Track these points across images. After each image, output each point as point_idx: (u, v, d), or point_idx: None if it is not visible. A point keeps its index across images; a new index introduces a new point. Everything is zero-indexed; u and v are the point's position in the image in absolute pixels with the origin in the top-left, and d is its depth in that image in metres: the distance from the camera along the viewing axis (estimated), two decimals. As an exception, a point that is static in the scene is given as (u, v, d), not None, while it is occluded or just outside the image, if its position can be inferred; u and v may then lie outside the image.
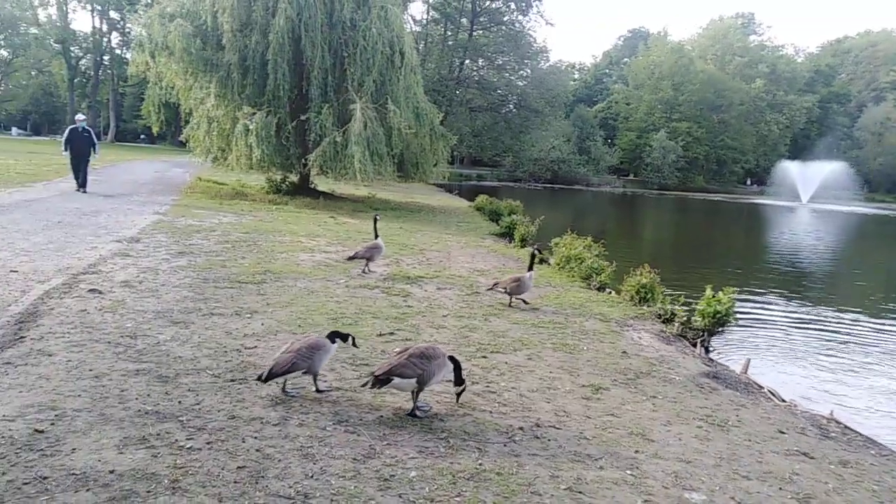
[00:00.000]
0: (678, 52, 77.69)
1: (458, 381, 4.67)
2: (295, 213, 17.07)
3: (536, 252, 9.24)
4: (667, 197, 60.91)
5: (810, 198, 63.11)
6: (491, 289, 8.51)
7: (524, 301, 8.56)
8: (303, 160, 19.88)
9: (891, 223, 47.92)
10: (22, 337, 5.34)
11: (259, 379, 4.41)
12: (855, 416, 6.37)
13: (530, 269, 8.44)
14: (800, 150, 77.98)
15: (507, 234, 16.22)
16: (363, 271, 9.69)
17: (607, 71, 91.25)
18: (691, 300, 9.12)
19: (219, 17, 18.75)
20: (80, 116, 18.12)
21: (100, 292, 7.02)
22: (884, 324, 11.61)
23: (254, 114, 18.52)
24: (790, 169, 66.96)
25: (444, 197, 30.77)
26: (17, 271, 7.68)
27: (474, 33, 56.77)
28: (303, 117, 19.05)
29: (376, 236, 9.91)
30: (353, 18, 19.34)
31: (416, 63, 21.79)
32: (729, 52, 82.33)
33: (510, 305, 8.42)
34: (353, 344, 5.04)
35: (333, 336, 4.88)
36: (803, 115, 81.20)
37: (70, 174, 17.56)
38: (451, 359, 4.66)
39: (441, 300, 8.44)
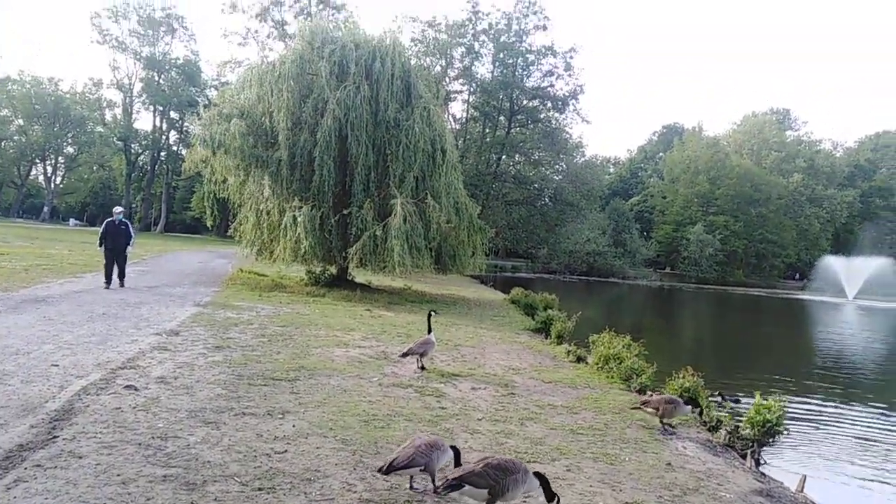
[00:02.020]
0: (714, 147, 78.55)
1: (550, 496, 4.47)
2: (332, 305, 17.21)
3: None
4: (705, 291, 59.75)
5: (856, 294, 61.07)
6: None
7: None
8: (343, 253, 20.26)
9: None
10: (55, 437, 5.34)
11: (380, 470, 4.79)
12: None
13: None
14: (843, 244, 76.51)
15: (543, 330, 15.95)
16: (419, 367, 9.71)
17: (642, 165, 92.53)
18: (740, 404, 8.70)
19: (274, 116, 19.85)
20: (117, 209, 17.24)
21: (135, 388, 7.05)
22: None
23: (301, 207, 19.14)
24: (834, 264, 65.31)
25: (479, 289, 30.75)
26: (57, 365, 7.81)
27: (511, 130, 58.63)
28: (345, 211, 19.60)
29: (429, 331, 9.95)
30: (396, 118, 20.20)
31: (455, 160, 22.49)
32: (765, 147, 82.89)
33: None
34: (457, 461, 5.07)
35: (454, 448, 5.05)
36: (844, 209, 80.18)
37: (101, 271, 16.68)
38: (537, 474, 4.51)
39: (476, 401, 8.23)
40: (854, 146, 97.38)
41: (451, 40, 52.56)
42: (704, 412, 8.37)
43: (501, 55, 55.71)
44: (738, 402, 9.55)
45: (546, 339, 15.06)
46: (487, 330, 15.49)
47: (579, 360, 12.24)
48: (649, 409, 7.72)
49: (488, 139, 59.14)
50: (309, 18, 44.12)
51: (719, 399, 8.92)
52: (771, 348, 23.59)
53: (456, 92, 56.54)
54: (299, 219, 18.74)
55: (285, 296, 18.16)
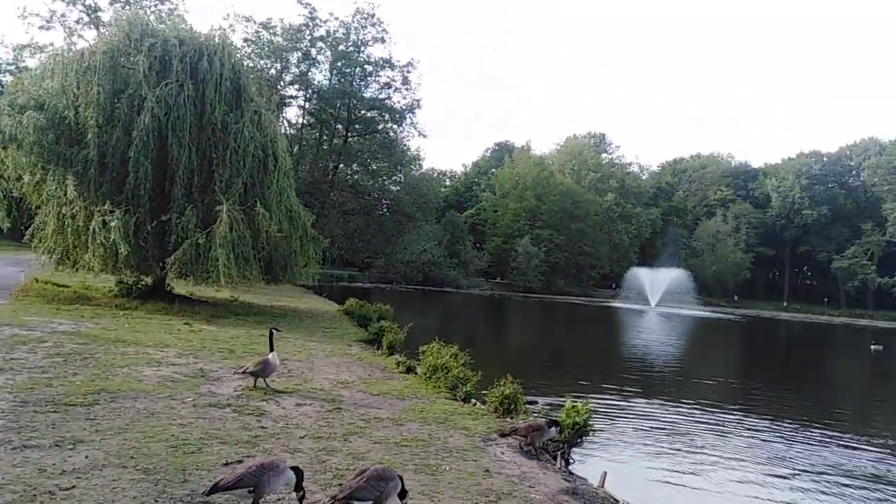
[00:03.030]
0: (540, 166, 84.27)
1: (402, 494, 4.98)
2: (145, 318, 15.79)
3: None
4: (531, 299, 63.70)
5: (657, 301, 68.71)
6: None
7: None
8: (161, 262, 18.69)
9: (723, 325, 52.97)
10: None
11: (204, 492, 4.59)
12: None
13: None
14: (647, 257, 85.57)
15: (376, 341, 15.94)
16: (254, 387, 9.16)
17: (476, 179, 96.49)
18: (558, 406, 9.29)
19: (81, 111, 17.82)
20: None
21: None
22: (731, 423, 12.46)
23: (112, 212, 17.36)
24: (639, 274, 73.06)
25: (312, 299, 30.07)
26: None
27: (349, 139, 58.32)
28: (164, 217, 18.08)
29: (271, 349, 9.32)
30: (224, 121, 19.11)
31: (289, 167, 21.74)
32: (584, 168, 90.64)
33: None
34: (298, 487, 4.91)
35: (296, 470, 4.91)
36: (649, 226, 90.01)
37: None
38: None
39: (299, 419, 7.96)
40: (657, 170, 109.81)
41: (287, 44, 51.10)
42: (524, 416, 8.83)
43: (339, 64, 55.29)
44: (534, 403, 10.20)
45: (378, 350, 15.06)
46: (318, 342, 15.14)
47: (409, 370, 12.37)
48: (519, 437, 7.86)
49: (325, 147, 58.28)
50: (127, 7, 40.44)
51: (535, 404, 9.47)
52: (586, 352, 25.66)
53: (291, 97, 55.08)
54: (112, 224, 17.01)
55: (89, 309, 16.36)
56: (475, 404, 10.04)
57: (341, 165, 58.91)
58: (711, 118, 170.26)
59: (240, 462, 6.02)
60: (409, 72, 55.88)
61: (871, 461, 10.64)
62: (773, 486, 8.67)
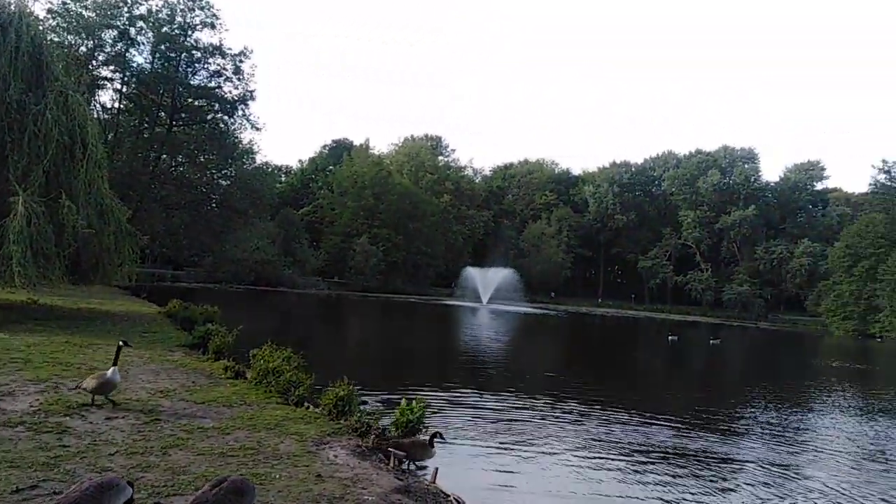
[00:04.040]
0: (379, 165, 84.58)
1: None
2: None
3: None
4: (369, 299, 63.78)
5: (489, 299, 72.14)
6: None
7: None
8: (-66, 260, 16.02)
9: (547, 320, 57.00)
10: None
11: None
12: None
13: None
14: (480, 257, 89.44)
15: (201, 345, 14.97)
16: (92, 403, 8.31)
17: (313, 176, 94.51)
18: (395, 404, 9.35)
19: None
20: None
21: None
22: (555, 411, 13.36)
23: None
24: (473, 273, 76.18)
25: (128, 301, 27.57)
26: None
27: (174, 129, 54.24)
28: (-62, 208, 15.57)
29: (115, 363, 8.41)
30: (22, 101, 16.89)
31: (101, 155, 19.70)
32: (421, 169, 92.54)
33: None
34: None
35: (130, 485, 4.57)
36: (482, 227, 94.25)
37: None
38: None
39: (110, 433, 7.24)
40: (490, 174, 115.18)
41: (100, 20, 46.11)
42: (356, 417, 8.78)
43: (163, 47, 51.15)
44: (364, 403, 10.25)
45: (204, 355, 14.15)
46: (134, 348, 13.85)
47: (238, 375, 11.80)
48: (400, 453, 7.78)
49: (146, 135, 53.63)
50: None
51: (365, 404, 9.48)
52: (422, 350, 26.18)
53: (106, 79, 49.84)
54: None
55: None
56: (308, 408, 9.80)
57: (165, 156, 54.68)
58: (537, 125, 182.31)
59: (34, 487, 5.34)
60: (241, 61, 53.31)
61: (670, 437, 12.05)
62: (590, 469, 9.43)
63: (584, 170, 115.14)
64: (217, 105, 54.32)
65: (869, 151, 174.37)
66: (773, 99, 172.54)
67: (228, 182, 59.46)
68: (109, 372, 8.38)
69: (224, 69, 53.30)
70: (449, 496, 6.69)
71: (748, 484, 9.49)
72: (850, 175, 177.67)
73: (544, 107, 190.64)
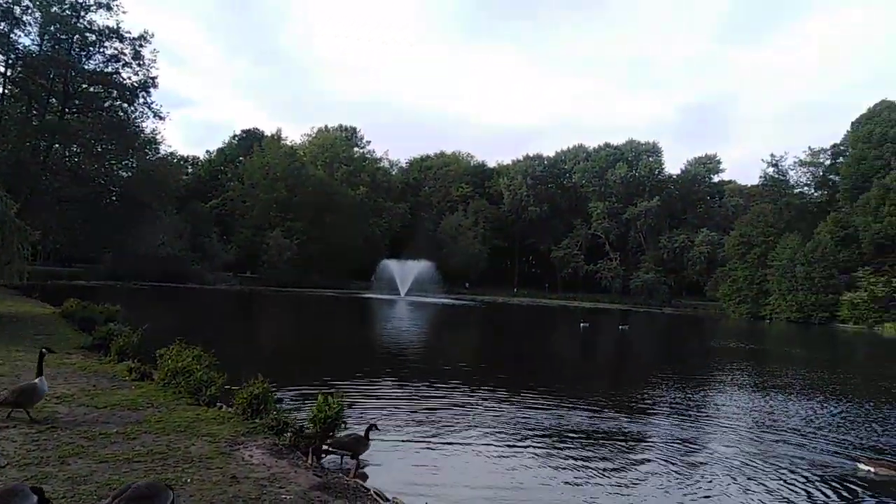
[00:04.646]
0: (292, 156, 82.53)
1: None
2: None
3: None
4: (284, 293, 62.29)
5: (407, 291, 72.16)
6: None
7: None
8: None
9: (465, 311, 57.73)
10: None
11: None
12: (451, 496, 7.02)
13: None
14: (398, 249, 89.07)
15: (103, 347, 14.07)
16: (8, 417, 7.62)
17: (222, 168, 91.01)
18: (314, 399, 9.10)
19: None
20: None
21: None
22: (475, 398, 13.51)
23: None
24: (390, 266, 75.84)
25: (18, 301, 25.56)
26: None
27: (67, 116, 50.65)
28: None
29: (39, 373, 7.77)
30: None
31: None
32: (336, 160, 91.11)
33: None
34: None
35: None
36: (399, 219, 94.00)
37: None
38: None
39: (-2, 445, 6.66)
40: (406, 166, 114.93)
41: (-21, -3, 42.46)
42: (271, 416, 8.51)
43: (52, 28, 47.60)
44: (280, 401, 9.95)
45: (106, 357, 13.31)
46: (26, 351, 12.87)
47: (144, 377, 11.17)
48: (343, 451, 7.76)
49: (35, 123, 49.81)
50: None
51: (281, 402, 9.22)
52: (340, 344, 25.81)
53: (-14, 61, 45.98)
54: None
55: None
56: (221, 408, 9.42)
57: (57, 146, 51.01)
58: (453, 119, 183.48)
59: None
60: (141, 45, 50.52)
61: (585, 419, 12.52)
62: (507, 457, 9.59)
63: (500, 162, 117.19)
64: (115, 92, 51.24)
65: (760, 147, 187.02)
66: (673, 94, 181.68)
67: (130, 173, 56.35)
68: (38, 381, 7.80)
69: (122, 54, 50.40)
70: (369, 490, 6.61)
71: (658, 458, 10.00)
72: (743, 169, 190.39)
73: (460, 99, 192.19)
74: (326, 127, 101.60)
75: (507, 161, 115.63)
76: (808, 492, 8.75)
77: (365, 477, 7.67)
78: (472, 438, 10.43)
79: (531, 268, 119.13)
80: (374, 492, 6.55)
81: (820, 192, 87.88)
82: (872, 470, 9.59)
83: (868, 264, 68.07)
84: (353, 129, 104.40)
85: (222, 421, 8.57)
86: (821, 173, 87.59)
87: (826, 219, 75.81)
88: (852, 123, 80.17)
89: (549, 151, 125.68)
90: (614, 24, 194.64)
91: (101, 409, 8.69)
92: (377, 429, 8.43)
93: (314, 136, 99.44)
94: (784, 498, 8.46)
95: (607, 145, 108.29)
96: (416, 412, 12.10)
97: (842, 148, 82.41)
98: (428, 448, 9.64)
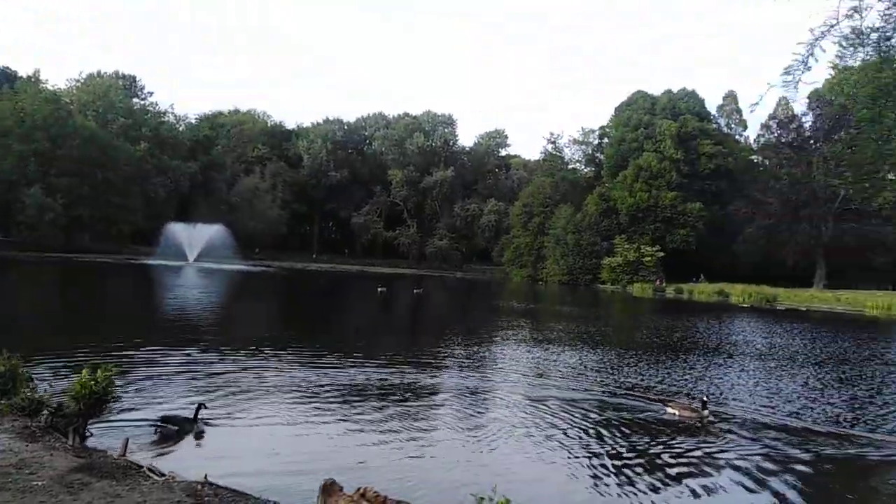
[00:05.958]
0: (55, 103, 71.74)
1: None
2: None
3: None
4: (48, 259, 54.70)
5: (196, 257, 67.44)
6: None
7: None
8: None
9: (260, 276, 55.74)
10: None
11: None
12: (231, 471, 6.77)
13: None
14: (187, 212, 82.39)
15: None
16: None
17: (-40, 111, 76.25)
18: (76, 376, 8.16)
19: None
20: None
21: None
22: (274, 364, 13.08)
23: None
24: (177, 230, 69.99)
25: None
26: None
27: None
28: None
29: None
30: None
31: None
32: (111, 111, 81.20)
33: None
34: None
35: None
36: (187, 179, 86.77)
37: None
38: None
39: None
40: (195, 122, 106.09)
41: None
42: (21, 395, 7.49)
43: None
44: (32, 380, 8.85)
45: None
46: None
47: None
48: (173, 427, 7.99)
49: None
50: None
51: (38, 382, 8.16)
52: (114, 314, 23.42)
53: None
54: None
55: None
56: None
57: None
58: (250, 76, 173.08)
59: None
60: None
61: (385, 376, 13.10)
62: (307, 423, 9.49)
63: (299, 124, 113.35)
64: None
65: (541, 125, 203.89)
66: (472, 72, 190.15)
67: None
68: None
69: None
70: (142, 467, 6.15)
71: (450, 406, 10.97)
72: (527, 144, 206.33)
73: (259, 55, 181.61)
74: (99, 73, 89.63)
75: (306, 123, 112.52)
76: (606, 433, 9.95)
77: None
78: (268, 408, 10.15)
79: (331, 234, 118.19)
80: (148, 467, 6.10)
81: (588, 169, 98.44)
82: (677, 413, 11.03)
83: (623, 233, 78.14)
84: (133, 78, 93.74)
85: (-43, 405, 7.35)
86: (590, 152, 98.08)
87: (593, 192, 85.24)
88: (615, 108, 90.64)
89: (349, 117, 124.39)
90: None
91: None
92: (205, 406, 8.48)
93: (83, 81, 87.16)
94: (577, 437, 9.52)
95: (406, 114, 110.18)
96: (209, 382, 11.49)
97: (607, 130, 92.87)
98: (220, 419, 9.18)
